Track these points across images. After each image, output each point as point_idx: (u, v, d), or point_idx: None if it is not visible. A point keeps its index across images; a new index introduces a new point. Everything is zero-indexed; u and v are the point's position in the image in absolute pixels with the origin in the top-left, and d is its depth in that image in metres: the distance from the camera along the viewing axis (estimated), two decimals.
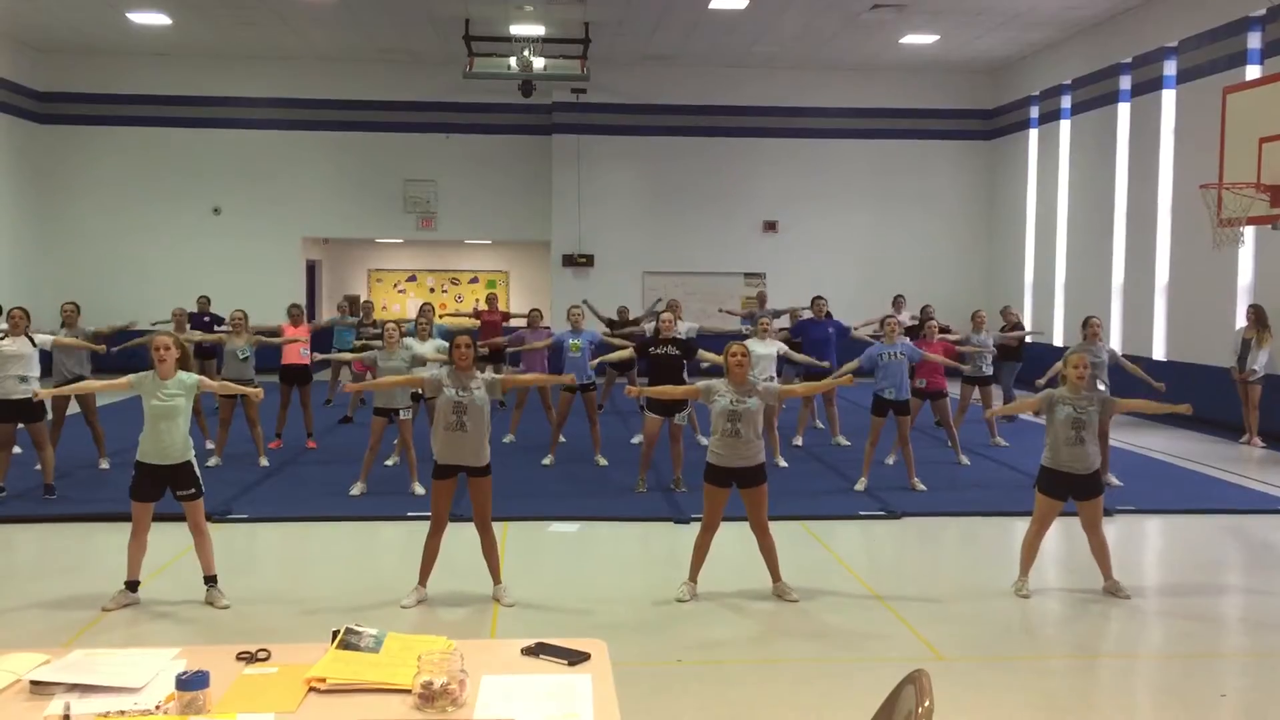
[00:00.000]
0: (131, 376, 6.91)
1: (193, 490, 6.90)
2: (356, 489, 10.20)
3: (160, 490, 6.88)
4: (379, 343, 11.17)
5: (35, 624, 6.68)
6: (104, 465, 11.25)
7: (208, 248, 21.55)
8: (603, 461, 11.77)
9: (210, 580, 7.05)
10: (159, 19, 18.35)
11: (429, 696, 2.92)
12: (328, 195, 22.15)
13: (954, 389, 14.11)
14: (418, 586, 7.07)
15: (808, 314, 13.66)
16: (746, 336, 12.12)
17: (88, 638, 6.35)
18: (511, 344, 13.20)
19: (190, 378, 6.92)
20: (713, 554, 7.30)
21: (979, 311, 13.72)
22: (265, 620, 6.84)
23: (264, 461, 11.59)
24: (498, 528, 8.74)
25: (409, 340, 11.01)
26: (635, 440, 13.12)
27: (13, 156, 20.26)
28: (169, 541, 7.93)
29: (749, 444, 7.03)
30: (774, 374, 11.66)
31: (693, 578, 7.26)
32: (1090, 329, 10.85)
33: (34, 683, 3.05)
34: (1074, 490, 7.24)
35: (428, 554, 7.06)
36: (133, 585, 6.95)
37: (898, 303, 16.15)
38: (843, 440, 13.13)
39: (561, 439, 12.36)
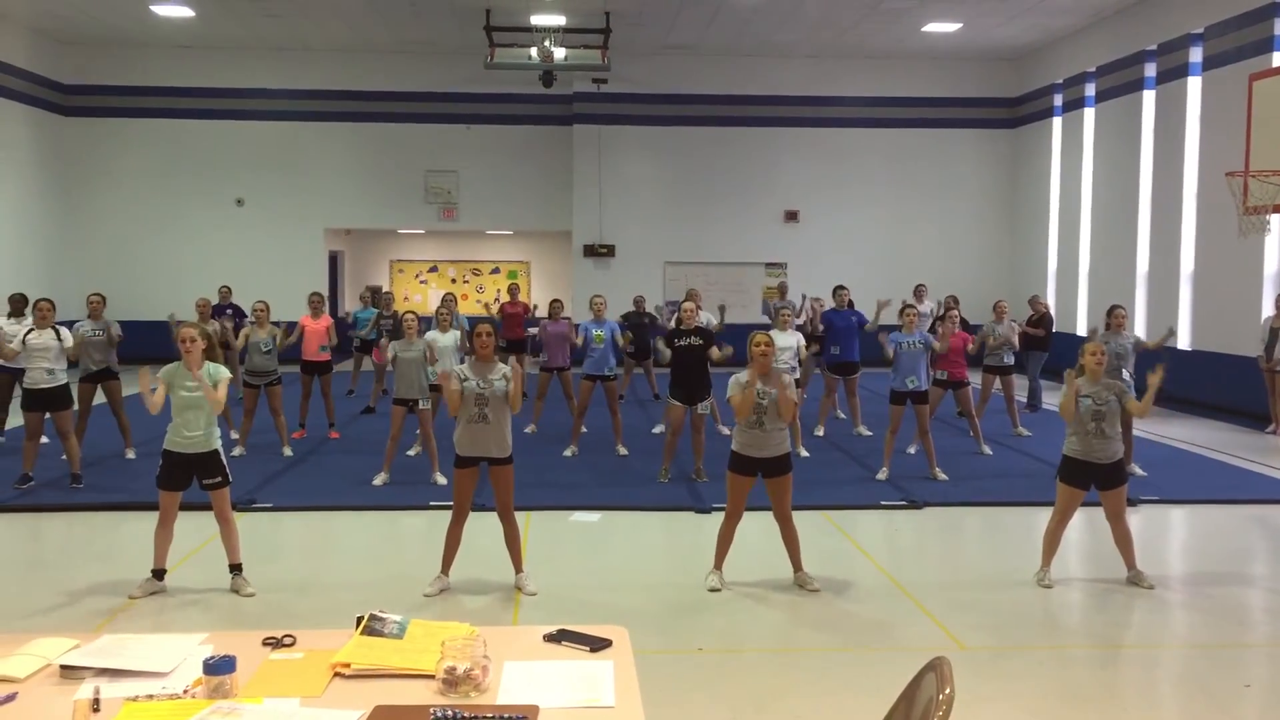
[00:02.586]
0: (163, 370, 6.93)
1: (219, 479, 6.96)
2: (380, 479, 10.27)
3: (187, 479, 6.95)
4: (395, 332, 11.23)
5: (65, 610, 6.76)
6: (130, 455, 11.36)
7: (231, 239, 21.70)
8: (624, 451, 11.79)
9: (235, 568, 7.12)
10: (182, 11, 18.45)
11: (452, 682, 2.95)
12: (350, 186, 22.24)
13: (975, 379, 14.06)
14: (440, 575, 7.11)
15: (829, 305, 13.61)
16: (768, 327, 12.07)
17: (116, 624, 6.43)
18: (535, 336, 13.31)
19: (220, 371, 6.96)
20: (734, 543, 7.31)
21: (1000, 302, 13.66)
22: (290, 607, 6.90)
23: (288, 451, 11.69)
24: (520, 517, 8.78)
25: (431, 334, 11.02)
26: (656, 430, 13.13)
27: (38, 149, 20.43)
28: (195, 529, 8.02)
29: (773, 434, 7.00)
30: (795, 364, 11.64)
31: (718, 566, 7.28)
32: (1115, 319, 10.78)
33: (64, 667, 3.10)
34: (1096, 480, 7.20)
35: (450, 542, 7.09)
36: (159, 573, 7.02)
37: (919, 292, 16.08)
38: (864, 430, 13.12)
39: (583, 429, 12.38)
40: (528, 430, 13.03)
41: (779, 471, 7.06)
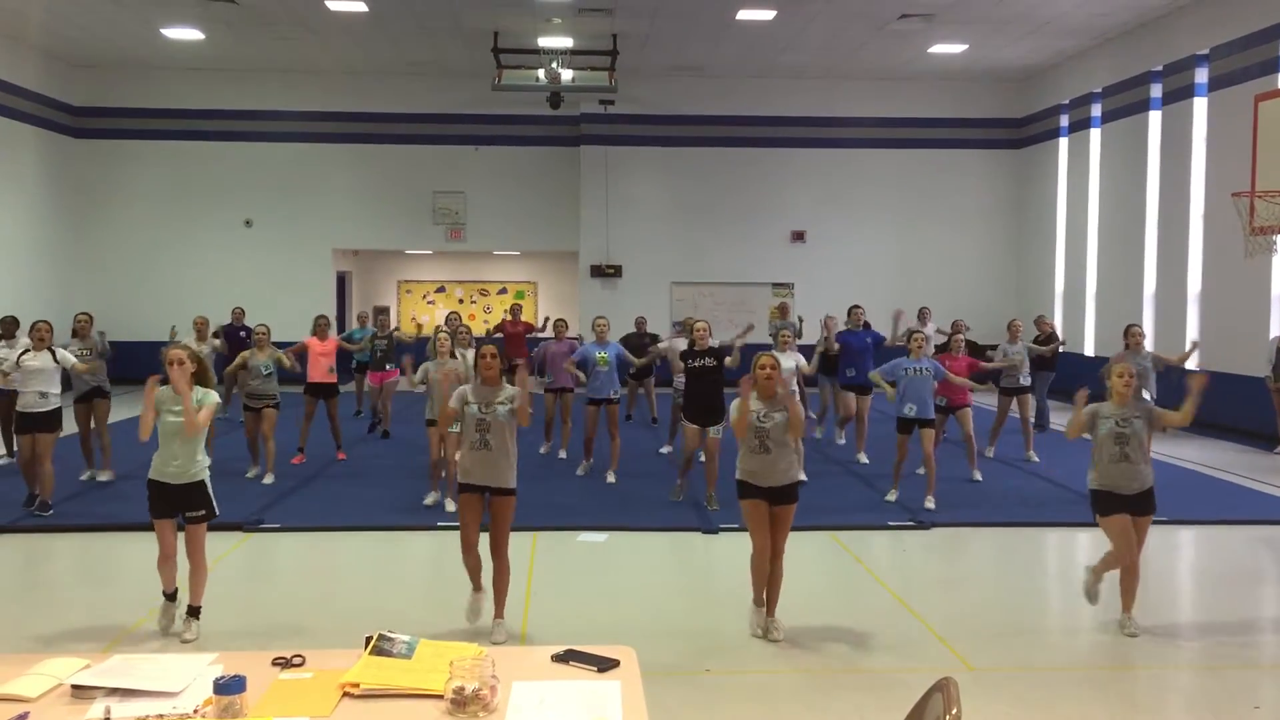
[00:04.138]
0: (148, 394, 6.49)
1: (203, 512, 6.54)
2: (431, 499, 10.15)
3: (175, 509, 6.55)
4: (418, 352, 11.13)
5: (75, 630, 6.77)
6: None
7: (240, 260, 21.78)
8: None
9: (193, 610, 6.60)
10: (192, 34, 18.60)
11: (461, 702, 2.96)
12: (358, 207, 22.34)
13: (991, 400, 14.01)
14: (474, 593, 6.79)
15: (844, 324, 13.50)
16: (771, 347, 12.03)
17: (126, 644, 6.43)
18: (536, 356, 13.27)
19: (209, 396, 6.53)
20: (739, 564, 7.11)
21: (1014, 321, 13.56)
22: (299, 627, 6.91)
23: (269, 479, 11.31)
24: (526, 537, 8.80)
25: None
26: (664, 450, 13.13)
27: (48, 170, 20.56)
28: (205, 549, 8.01)
29: (779, 459, 6.66)
30: (795, 387, 11.55)
31: (758, 601, 6.77)
32: (1132, 338, 10.68)
33: (75, 687, 3.11)
34: (1130, 507, 6.68)
35: (471, 567, 6.74)
36: (172, 596, 6.73)
37: (923, 315, 16.02)
38: (863, 458, 12.77)
39: (562, 454, 12.27)
40: (542, 450, 12.97)
41: (785, 500, 6.70)
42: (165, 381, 6.47)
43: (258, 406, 11.50)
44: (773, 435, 6.63)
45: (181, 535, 6.59)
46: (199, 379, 6.52)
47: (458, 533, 6.97)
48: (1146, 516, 6.76)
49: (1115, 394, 6.77)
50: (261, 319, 12.50)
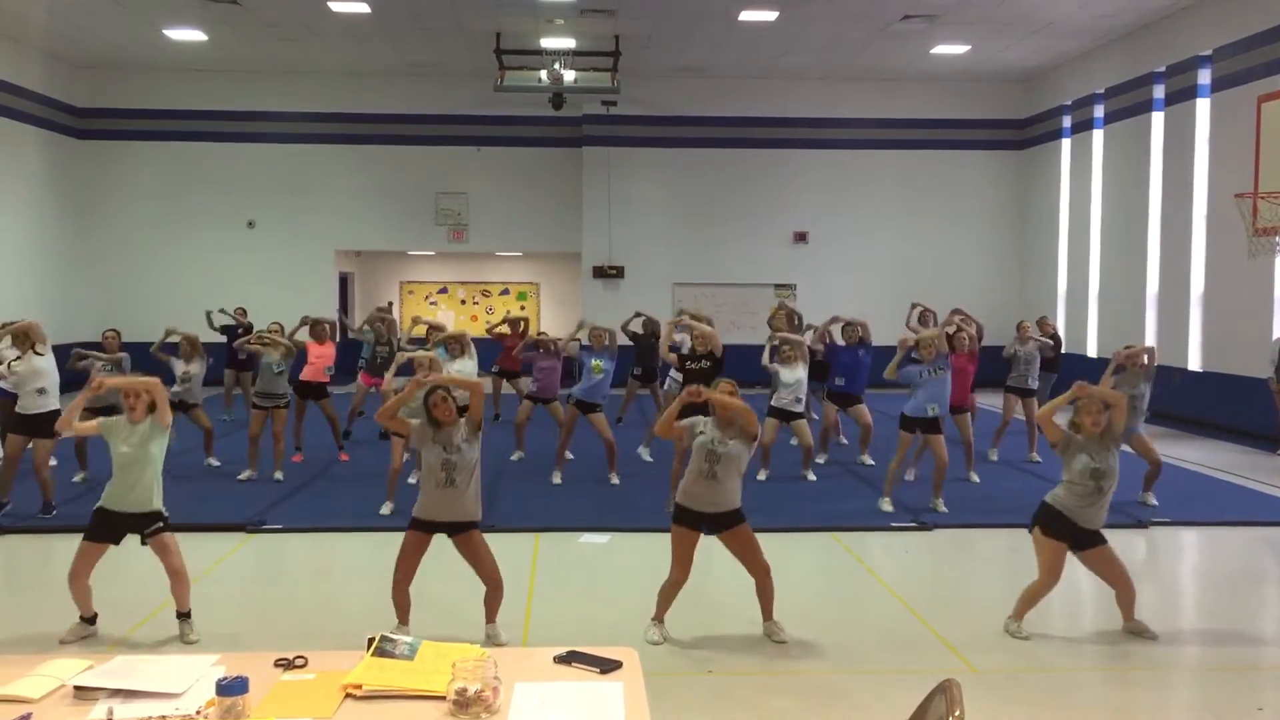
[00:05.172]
0: (100, 420, 6.57)
1: (159, 524, 6.47)
2: (386, 508, 9.99)
3: (119, 536, 6.51)
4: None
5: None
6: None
7: (242, 261, 21.78)
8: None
9: (183, 616, 6.61)
10: (195, 35, 18.61)
11: (463, 703, 2.96)
12: (360, 208, 22.35)
13: (997, 400, 13.94)
14: (399, 626, 6.48)
15: (838, 339, 13.30)
16: (776, 349, 11.96)
17: (128, 645, 6.44)
18: (525, 358, 13.10)
19: (155, 427, 6.45)
20: (740, 566, 6.96)
21: (1023, 322, 13.49)
22: (301, 628, 6.92)
23: (278, 475, 11.37)
24: (528, 539, 8.83)
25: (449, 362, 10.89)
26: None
27: (52, 172, 20.57)
28: (207, 550, 8.02)
29: (724, 488, 6.50)
30: (801, 395, 11.51)
31: (660, 618, 6.71)
32: (1133, 359, 10.39)
33: (78, 688, 3.13)
34: (1073, 539, 6.57)
35: (400, 606, 6.52)
36: (90, 619, 6.61)
37: (925, 318, 15.90)
38: (867, 459, 12.69)
39: (569, 455, 12.07)
40: (514, 458, 12.71)
41: (728, 525, 6.55)
42: (115, 410, 6.44)
43: (269, 406, 11.52)
44: (723, 463, 6.48)
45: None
46: (152, 409, 6.47)
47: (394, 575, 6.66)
48: (1101, 547, 6.59)
49: (1085, 432, 6.62)
50: (263, 320, 12.52)
